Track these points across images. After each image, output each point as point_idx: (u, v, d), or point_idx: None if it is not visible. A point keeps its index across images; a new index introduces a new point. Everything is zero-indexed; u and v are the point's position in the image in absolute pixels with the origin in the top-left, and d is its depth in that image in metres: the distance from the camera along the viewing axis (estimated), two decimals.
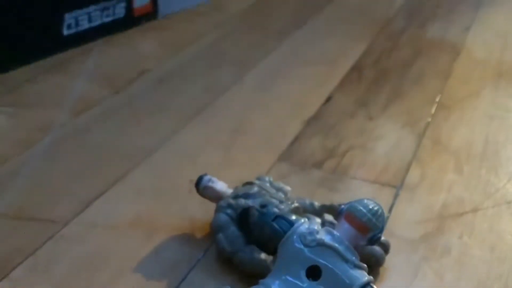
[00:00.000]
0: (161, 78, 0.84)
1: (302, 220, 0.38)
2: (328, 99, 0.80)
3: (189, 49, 0.93)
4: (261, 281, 0.38)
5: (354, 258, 0.37)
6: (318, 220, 0.47)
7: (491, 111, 0.78)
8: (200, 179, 0.52)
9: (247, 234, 0.48)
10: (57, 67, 0.84)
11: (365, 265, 0.38)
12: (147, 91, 0.80)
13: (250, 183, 0.52)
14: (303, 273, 0.36)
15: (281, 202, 0.49)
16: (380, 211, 0.38)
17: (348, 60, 0.91)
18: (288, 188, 0.52)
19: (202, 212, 0.55)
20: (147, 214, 0.56)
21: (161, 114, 0.74)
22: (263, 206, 0.48)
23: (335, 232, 0.37)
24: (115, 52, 0.90)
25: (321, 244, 0.36)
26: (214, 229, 0.50)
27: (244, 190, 0.50)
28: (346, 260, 0.37)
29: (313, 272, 0.36)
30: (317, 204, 0.51)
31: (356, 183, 0.49)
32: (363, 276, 0.37)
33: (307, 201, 0.51)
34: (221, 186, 0.52)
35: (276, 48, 0.95)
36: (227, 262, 0.48)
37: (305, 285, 0.35)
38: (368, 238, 0.38)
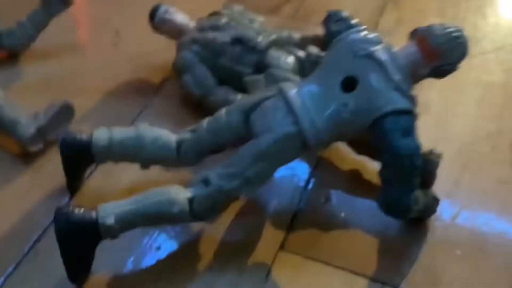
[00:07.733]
0: None
1: (364, 27, 0.35)
2: None
3: None
4: (297, 81, 0.36)
5: (400, 79, 0.32)
6: (301, 53, 0.42)
7: None
8: (154, 10, 0.44)
9: (220, 72, 0.42)
10: None
11: (414, 96, 0.33)
12: None
13: (217, 13, 0.44)
14: (339, 82, 0.33)
15: (257, 33, 0.43)
16: (460, 40, 0.33)
17: None
18: (261, 18, 0.45)
19: (129, 69, 0.46)
20: (59, 75, 0.45)
21: None
22: (237, 39, 0.42)
23: (393, 50, 0.34)
24: None
25: (369, 56, 0.33)
26: (179, 69, 0.43)
27: (211, 22, 0.43)
28: (390, 80, 0.32)
29: (349, 84, 0.33)
30: (296, 36, 0.44)
31: (320, 30, 0.40)
32: (403, 102, 0.32)
33: (285, 33, 0.44)
34: (181, 18, 0.44)
35: None
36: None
37: (336, 93, 0.33)
38: (432, 67, 0.33)
